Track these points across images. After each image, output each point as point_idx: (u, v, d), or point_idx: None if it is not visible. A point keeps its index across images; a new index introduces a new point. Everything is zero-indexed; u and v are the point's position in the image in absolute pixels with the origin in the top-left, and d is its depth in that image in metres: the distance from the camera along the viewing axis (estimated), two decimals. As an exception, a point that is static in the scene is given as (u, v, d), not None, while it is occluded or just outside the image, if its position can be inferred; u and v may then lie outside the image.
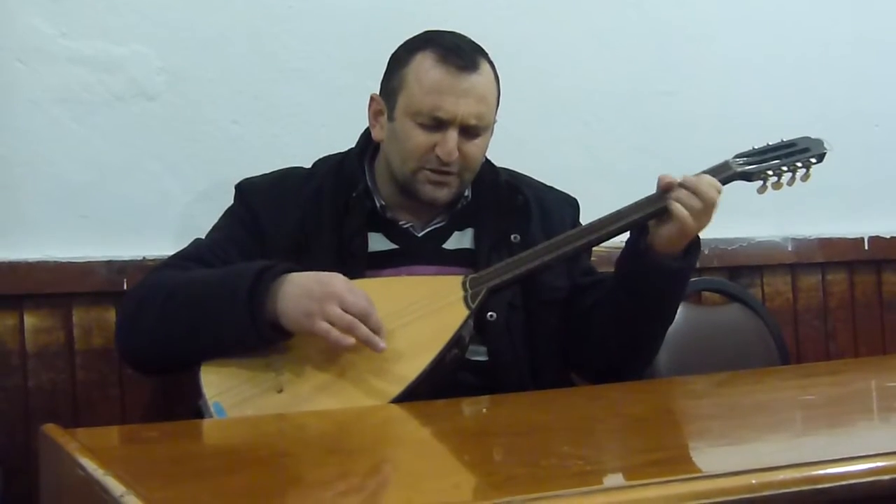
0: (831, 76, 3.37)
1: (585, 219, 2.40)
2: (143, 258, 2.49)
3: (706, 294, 3.10)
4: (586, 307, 2.32)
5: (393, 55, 2.31)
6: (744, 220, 2.99)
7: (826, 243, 3.31)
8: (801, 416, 1.94)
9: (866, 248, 3.36)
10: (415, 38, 2.29)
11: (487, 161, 2.36)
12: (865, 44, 3.42)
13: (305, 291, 2.00)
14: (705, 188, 2.13)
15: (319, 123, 2.72)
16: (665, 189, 2.15)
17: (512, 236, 2.30)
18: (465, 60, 2.21)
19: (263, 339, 2.02)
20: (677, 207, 2.11)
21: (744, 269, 3.20)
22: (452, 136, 2.20)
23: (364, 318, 1.99)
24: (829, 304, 3.33)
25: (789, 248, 3.26)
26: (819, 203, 3.19)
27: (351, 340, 1.97)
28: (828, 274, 3.33)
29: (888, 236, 3.40)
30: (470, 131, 2.23)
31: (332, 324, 1.97)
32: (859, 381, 2.36)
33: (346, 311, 1.98)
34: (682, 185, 2.13)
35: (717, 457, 1.64)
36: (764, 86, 3.28)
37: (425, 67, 2.21)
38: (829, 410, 1.97)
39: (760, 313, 3.05)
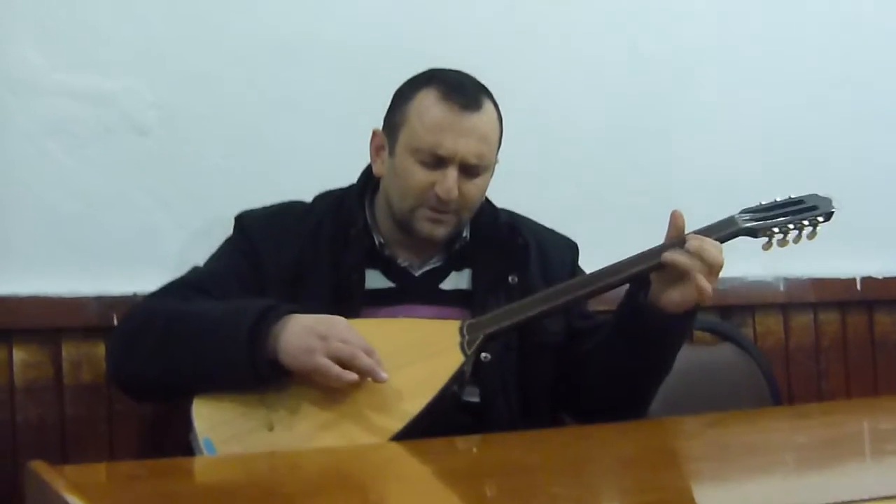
0: (825, 113, 3.37)
1: (581, 256, 2.40)
2: (134, 294, 2.48)
3: (698, 334, 3.09)
4: (582, 353, 2.31)
5: (397, 91, 2.31)
6: (735, 259, 2.95)
7: (818, 283, 3.31)
8: (794, 458, 1.94)
9: (858, 288, 3.36)
10: (419, 74, 2.29)
11: (487, 201, 2.36)
12: (859, 81, 3.43)
13: (307, 329, 2.00)
14: (716, 254, 2.11)
15: (311, 159, 2.71)
16: (677, 226, 2.14)
17: (510, 278, 2.29)
18: (468, 99, 2.20)
19: (261, 378, 2.02)
20: (703, 282, 2.09)
21: (735, 309, 3.20)
22: (452, 174, 2.19)
23: (366, 353, 1.99)
24: (822, 344, 3.33)
25: (781, 288, 3.26)
26: (811, 243, 3.17)
27: (352, 377, 1.97)
28: (820, 314, 3.33)
29: (881, 277, 3.40)
30: (470, 170, 2.22)
31: (332, 358, 1.97)
32: (852, 423, 2.35)
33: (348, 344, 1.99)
34: (695, 255, 2.11)
35: (708, 499, 1.64)
36: (759, 121, 3.28)
37: (427, 104, 2.21)
38: (821, 452, 1.96)
39: (752, 353, 3.04)
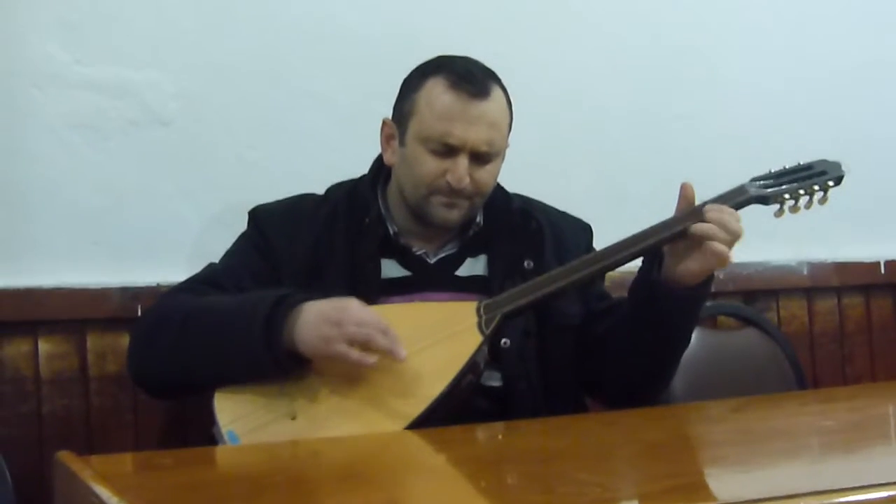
0: (848, 99, 3.36)
1: (600, 243, 2.40)
2: (158, 284, 2.49)
3: (721, 318, 3.09)
4: (600, 333, 2.31)
5: (405, 80, 2.31)
6: (759, 243, 2.97)
7: (842, 267, 3.30)
8: (819, 443, 1.93)
9: (882, 271, 3.35)
10: (427, 62, 2.29)
11: (500, 187, 2.36)
12: (881, 66, 3.41)
13: (322, 317, 2.00)
14: (734, 221, 2.11)
15: (333, 148, 2.72)
16: (687, 197, 2.14)
17: (525, 262, 2.29)
18: (477, 87, 2.20)
19: (279, 368, 2.02)
20: (719, 247, 2.09)
21: (759, 294, 3.19)
22: (463, 162, 2.20)
23: (382, 333, 1.99)
24: (846, 328, 3.31)
25: (805, 272, 3.25)
26: (835, 226, 3.18)
27: (373, 359, 1.98)
28: (844, 298, 3.32)
29: (905, 260, 3.38)
30: (481, 157, 2.22)
31: (350, 343, 1.97)
32: (877, 407, 2.34)
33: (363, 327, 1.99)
34: (713, 222, 2.10)
35: (733, 484, 1.63)
36: (779, 109, 3.27)
37: (436, 93, 2.21)
38: (846, 436, 1.96)
39: (776, 338, 3.04)
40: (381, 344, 1.99)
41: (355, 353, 1.98)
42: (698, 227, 2.11)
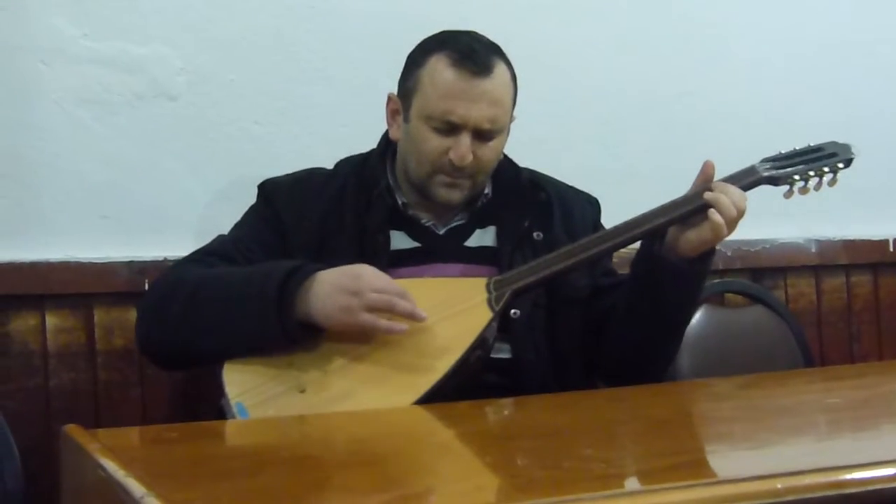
0: (855, 75, 3.35)
1: (605, 218, 2.40)
2: (164, 259, 2.49)
3: (729, 296, 3.09)
4: (605, 309, 2.31)
5: (410, 55, 2.30)
6: (767, 221, 2.96)
7: (850, 245, 3.30)
8: (826, 420, 1.93)
9: (891, 249, 3.34)
10: (431, 38, 2.29)
11: (508, 159, 2.36)
12: (889, 44, 3.40)
13: (337, 287, 2.00)
14: (739, 198, 2.12)
15: (340, 123, 2.71)
16: (706, 174, 2.14)
17: (534, 234, 2.30)
18: (479, 65, 2.19)
19: (291, 339, 2.03)
20: (717, 217, 2.10)
21: (767, 271, 3.19)
22: (465, 140, 2.19)
23: (401, 297, 2.00)
24: (854, 307, 3.31)
25: (813, 250, 3.24)
26: (843, 204, 3.16)
27: (402, 326, 1.99)
28: (852, 276, 3.32)
29: (914, 238, 3.38)
30: (484, 135, 2.22)
31: (372, 310, 1.98)
32: (885, 385, 2.34)
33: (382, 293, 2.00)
34: (722, 192, 2.12)
35: (740, 461, 1.63)
36: (786, 85, 3.26)
37: (439, 70, 2.20)
38: (854, 414, 1.96)
39: (784, 315, 3.04)
40: (403, 308, 1.99)
41: (384, 322, 1.99)
42: (706, 195, 2.12)
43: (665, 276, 2.18)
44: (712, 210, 2.10)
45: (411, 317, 2.00)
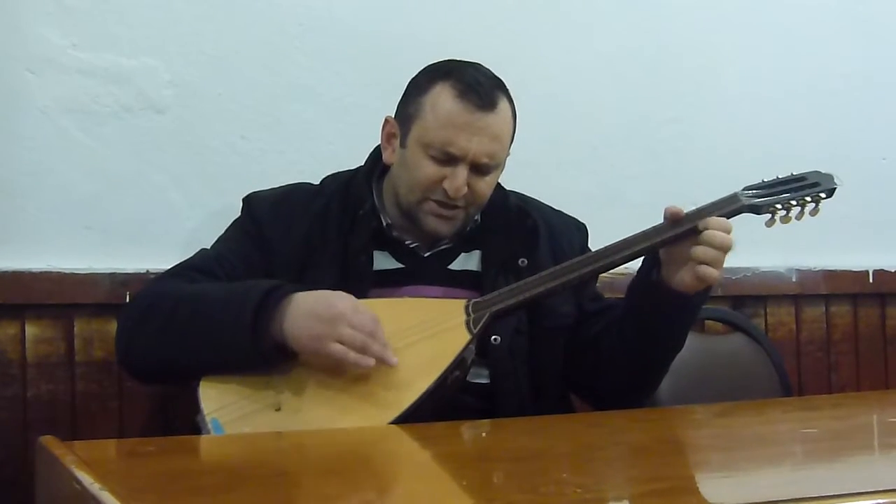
0: (839, 107, 3.37)
1: (593, 244, 2.40)
2: (147, 271, 2.49)
3: (709, 323, 3.10)
4: (593, 334, 2.31)
5: (412, 80, 2.30)
6: (748, 249, 2.94)
7: (830, 275, 3.31)
8: (802, 450, 1.93)
9: (871, 281, 3.35)
10: (436, 66, 2.28)
11: (497, 184, 2.35)
12: (874, 77, 3.42)
13: (312, 313, 2.00)
14: (721, 240, 2.10)
15: (327, 140, 2.71)
16: (673, 220, 2.14)
17: (520, 260, 2.30)
18: (483, 99, 2.19)
19: (266, 360, 2.02)
20: (705, 270, 2.09)
21: (747, 299, 3.20)
22: (462, 172, 2.20)
23: (373, 338, 1.99)
24: (833, 337, 3.32)
25: (793, 280, 3.25)
26: (824, 235, 3.17)
27: (370, 361, 1.98)
28: (832, 306, 3.33)
29: (893, 270, 3.39)
30: (481, 168, 2.22)
31: (345, 344, 1.97)
32: (861, 416, 2.35)
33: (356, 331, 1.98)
34: (701, 243, 2.10)
35: (717, 488, 1.63)
36: (772, 115, 3.27)
37: (442, 100, 2.20)
38: (830, 444, 1.96)
39: (763, 344, 3.04)
40: (374, 351, 1.99)
41: (353, 355, 1.98)
42: (692, 251, 2.11)
43: (662, 305, 2.18)
44: (702, 267, 2.09)
45: (381, 360, 2.00)
